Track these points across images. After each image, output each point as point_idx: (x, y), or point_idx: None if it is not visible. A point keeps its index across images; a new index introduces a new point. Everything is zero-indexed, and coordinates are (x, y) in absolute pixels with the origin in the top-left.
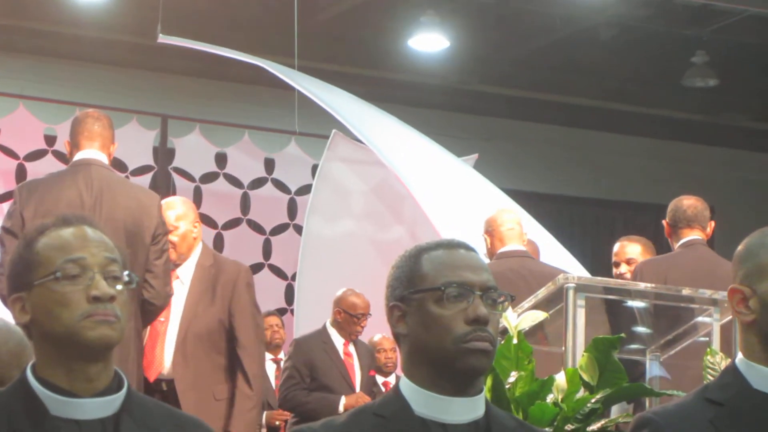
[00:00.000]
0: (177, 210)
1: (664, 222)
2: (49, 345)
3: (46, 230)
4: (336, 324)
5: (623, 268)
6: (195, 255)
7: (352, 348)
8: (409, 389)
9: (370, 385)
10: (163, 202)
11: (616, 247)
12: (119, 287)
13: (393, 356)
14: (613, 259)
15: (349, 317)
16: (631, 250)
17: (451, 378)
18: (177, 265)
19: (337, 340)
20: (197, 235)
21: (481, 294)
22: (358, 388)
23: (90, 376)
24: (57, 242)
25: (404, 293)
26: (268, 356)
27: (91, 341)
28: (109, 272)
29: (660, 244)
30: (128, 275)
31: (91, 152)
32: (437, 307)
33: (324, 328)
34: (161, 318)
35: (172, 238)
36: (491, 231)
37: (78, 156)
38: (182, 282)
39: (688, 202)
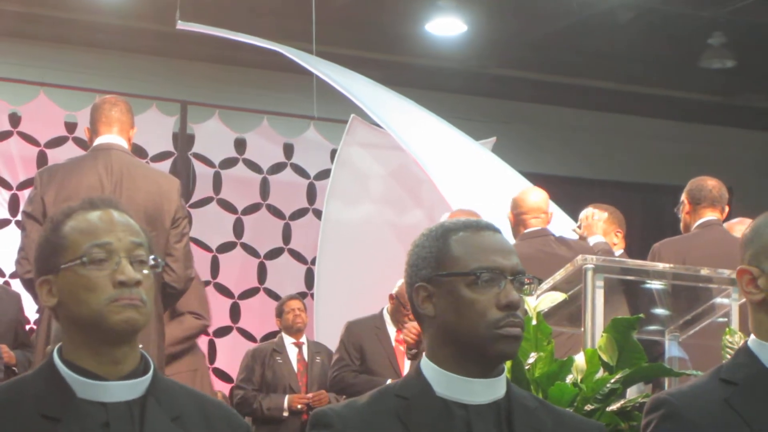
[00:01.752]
0: None
1: (684, 199)
2: (76, 328)
3: (73, 213)
4: (389, 311)
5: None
6: None
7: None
8: (431, 370)
9: None
10: None
11: (584, 213)
12: (145, 271)
13: None
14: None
15: (399, 306)
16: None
17: (478, 361)
18: None
19: (391, 327)
20: None
21: (511, 279)
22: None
23: (116, 358)
24: (84, 226)
25: (432, 274)
26: (290, 340)
27: (117, 325)
28: (135, 256)
29: (676, 226)
30: (154, 259)
31: (110, 137)
32: (469, 291)
33: (380, 313)
34: None
35: None
36: (516, 213)
37: (97, 141)
38: None
39: (713, 183)
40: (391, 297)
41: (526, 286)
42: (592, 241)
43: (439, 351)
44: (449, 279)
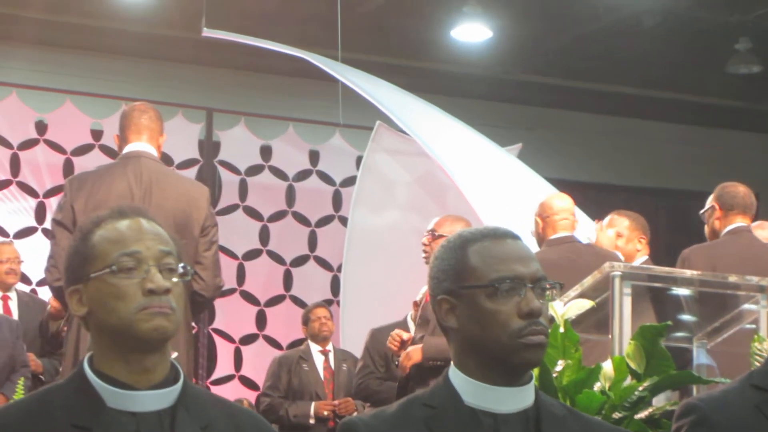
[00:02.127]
0: None
1: (715, 204)
2: (106, 337)
3: (102, 222)
4: (413, 318)
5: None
6: None
7: None
8: (458, 379)
9: None
10: None
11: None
12: (174, 279)
13: None
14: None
15: None
16: (619, 223)
17: (504, 371)
18: None
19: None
20: None
21: (532, 286)
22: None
23: (146, 367)
24: (113, 235)
25: (453, 287)
26: (316, 347)
27: (146, 333)
28: (165, 264)
29: (702, 232)
30: (183, 267)
31: (139, 145)
32: (490, 302)
33: (404, 320)
34: None
35: None
36: (544, 216)
37: (127, 149)
38: None
39: (744, 190)
40: (415, 304)
41: (548, 292)
42: None
43: (465, 361)
44: (469, 291)
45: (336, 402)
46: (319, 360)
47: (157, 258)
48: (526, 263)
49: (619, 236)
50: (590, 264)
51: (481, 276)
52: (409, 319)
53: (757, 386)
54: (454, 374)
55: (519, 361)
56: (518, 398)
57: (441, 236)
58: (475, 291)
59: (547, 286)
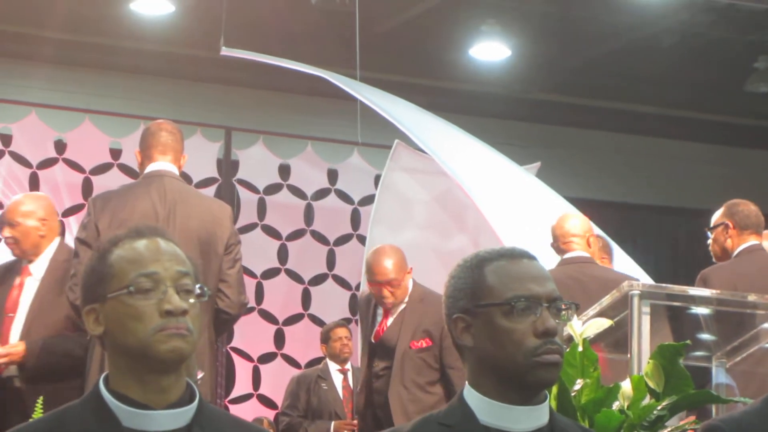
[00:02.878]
0: (24, 206)
1: (728, 222)
2: (122, 357)
3: (120, 242)
4: None
5: None
6: (49, 251)
7: None
8: (473, 398)
9: None
10: (14, 198)
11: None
12: (192, 300)
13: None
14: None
15: None
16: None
17: (519, 389)
18: (30, 261)
19: None
20: (45, 233)
21: (547, 306)
22: None
23: (162, 387)
24: (130, 255)
25: (469, 305)
26: (335, 366)
27: (163, 354)
28: (182, 285)
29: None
30: (200, 288)
31: (163, 164)
32: (506, 321)
33: None
34: (10, 313)
35: (13, 233)
36: (556, 236)
37: (150, 168)
38: (35, 278)
39: (755, 208)
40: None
41: (563, 312)
42: None
43: (480, 380)
44: (485, 309)
45: (355, 421)
46: (338, 379)
47: (175, 279)
48: (542, 283)
49: None
50: (599, 285)
51: (497, 295)
52: None
53: None
54: (469, 393)
55: (534, 380)
56: (533, 417)
57: None
58: (491, 309)
59: (563, 306)
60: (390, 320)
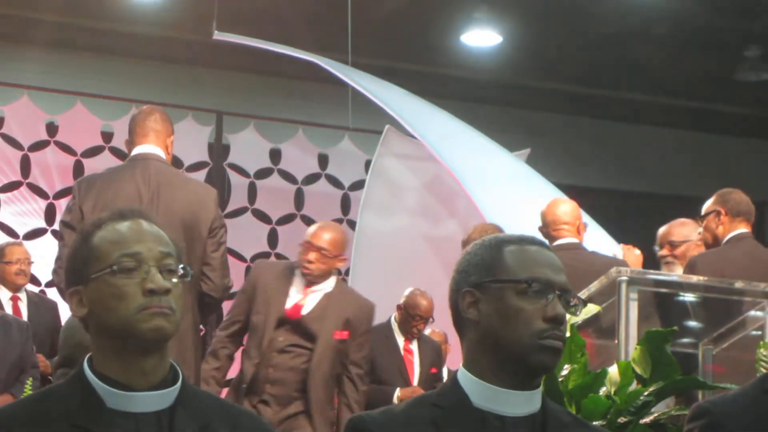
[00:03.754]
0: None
1: (720, 209)
2: (106, 338)
3: (103, 224)
4: (396, 320)
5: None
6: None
7: (414, 345)
8: (467, 380)
9: (429, 382)
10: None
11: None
12: (174, 280)
13: None
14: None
15: (407, 316)
16: (677, 231)
17: (517, 371)
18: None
19: (399, 337)
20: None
21: (560, 294)
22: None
23: (146, 369)
24: (113, 236)
25: (481, 280)
26: None
27: (146, 333)
28: (165, 265)
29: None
30: (183, 268)
31: (147, 147)
32: (518, 300)
33: (388, 322)
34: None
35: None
36: (545, 222)
37: (135, 151)
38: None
39: (746, 197)
40: (398, 307)
41: (572, 306)
42: None
43: (478, 360)
44: (499, 285)
45: None
46: None
47: (158, 259)
48: (558, 272)
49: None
50: (591, 271)
51: (513, 273)
52: (392, 321)
53: None
54: (463, 375)
55: (535, 362)
56: (526, 402)
57: None
58: (505, 286)
59: (573, 299)
60: (309, 299)
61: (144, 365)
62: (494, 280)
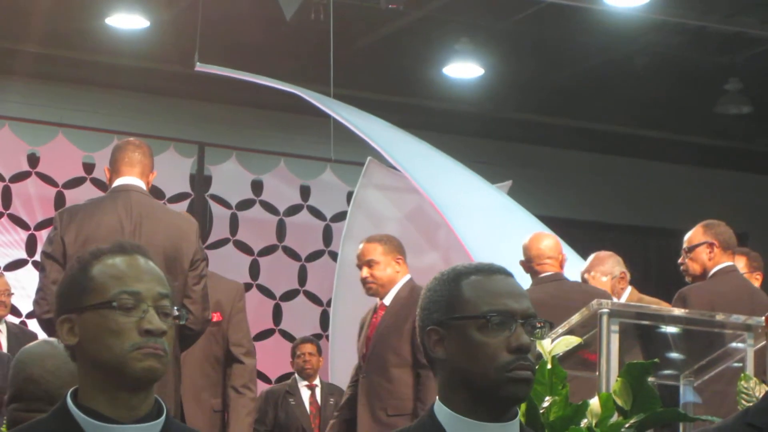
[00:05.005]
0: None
1: (713, 241)
2: (95, 371)
3: (102, 256)
4: None
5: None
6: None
7: None
8: (444, 414)
9: None
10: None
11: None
12: (169, 322)
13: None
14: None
15: None
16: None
17: (490, 405)
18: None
19: None
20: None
21: (522, 322)
22: None
23: (132, 404)
24: (113, 271)
25: (443, 318)
26: (303, 382)
27: (139, 372)
28: (161, 307)
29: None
30: (177, 310)
31: (130, 179)
32: (480, 335)
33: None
34: None
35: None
36: (528, 257)
37: (117, 182)
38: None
39: (730, 229)
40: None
41: (537, 330)
42: None
43: (451, 395)
44: (460, 322)
45: None
46: (305, 394)
47: (155, 299)
48: (518, 299)
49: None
50: (577, 302)
51: (473, 308)
52: None
53: (752, 425)
54: (440, 409)
55: (505, 395)
56: None
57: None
58: (466, 322)
59: (538, 324)
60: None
61: (131, 401)
62: (455, 318)
